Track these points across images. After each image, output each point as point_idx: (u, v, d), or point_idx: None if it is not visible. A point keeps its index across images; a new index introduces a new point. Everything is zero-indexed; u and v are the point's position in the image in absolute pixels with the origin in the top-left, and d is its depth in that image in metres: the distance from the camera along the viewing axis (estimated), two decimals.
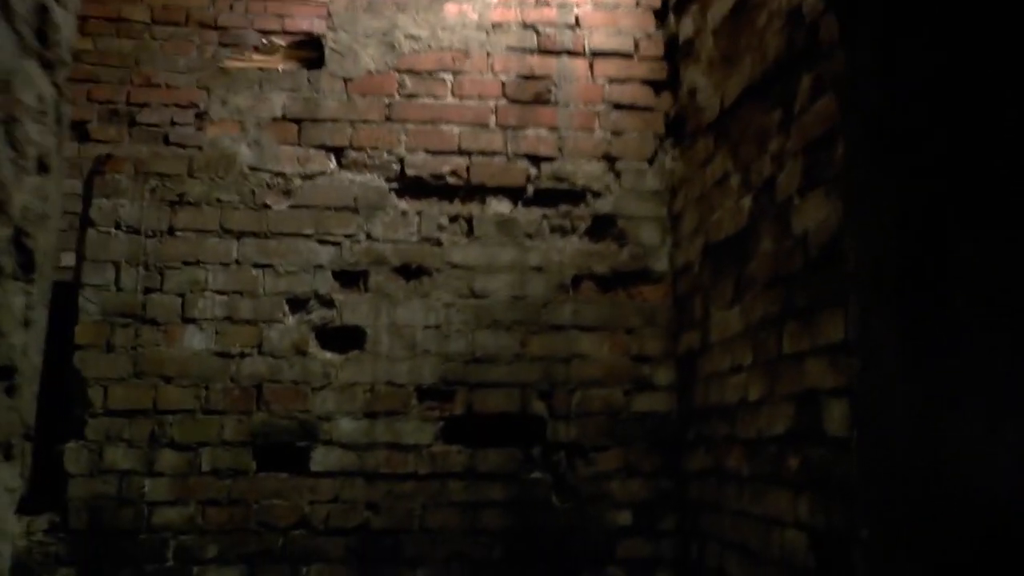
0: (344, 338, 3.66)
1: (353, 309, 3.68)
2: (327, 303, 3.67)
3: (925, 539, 1.84)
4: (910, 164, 1.94)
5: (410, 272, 3.73)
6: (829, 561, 2.31)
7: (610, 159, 3.89)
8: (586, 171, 3.86)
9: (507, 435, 3.66)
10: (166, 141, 3.95)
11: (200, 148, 3.75)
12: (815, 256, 2.42)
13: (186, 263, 3.64)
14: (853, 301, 2.19)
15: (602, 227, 3.84)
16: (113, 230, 3.63)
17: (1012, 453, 1.54)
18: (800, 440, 2.52)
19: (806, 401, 2.48)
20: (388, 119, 3.83)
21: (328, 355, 3.64)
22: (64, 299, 3.63)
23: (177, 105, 4.08)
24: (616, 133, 3.91)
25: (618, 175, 3.88)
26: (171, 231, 3.65)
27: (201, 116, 3.88)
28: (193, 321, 3.60)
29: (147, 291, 3.60)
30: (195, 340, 3.59)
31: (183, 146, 3.82)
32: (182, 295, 3.61)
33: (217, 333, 3.60)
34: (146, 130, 4.19)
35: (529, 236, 3.80)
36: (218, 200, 3.69)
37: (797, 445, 2.54)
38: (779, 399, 2.68)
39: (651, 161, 3.91)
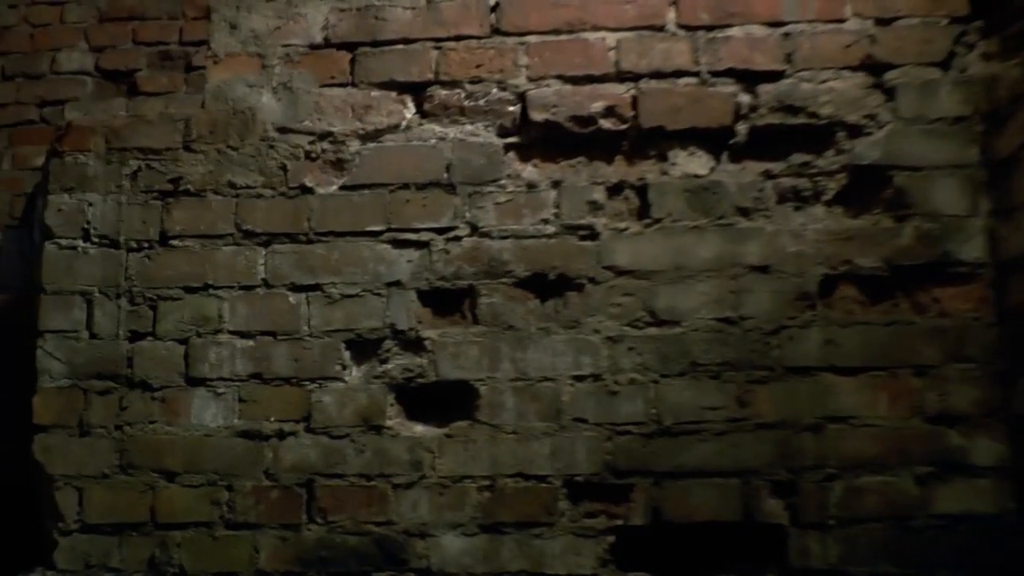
0: (442, 401, 2.23)
1: (455, 353, 2.23)
2: (411, 344, 2.24)
3: None
4: None
5: (546, 286, 2.24)
6: None
7: (874, 68, 2.26)
8: (834, 91, 2.25)
9: (721, 557, 2.17)
10: None
11: (201, 103, 2.35)
12: None
13: (188, 289, 2.28)
14: None
15: (865, 187, 2.24)
16: (80, 243, 2.31)
17: None
18: None
19: None
20: (496, 31, 2.31)
21: (418, 429, 2.23)
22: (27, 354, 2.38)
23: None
24: (882, 21, 2.27)
25: (889, 94, 2.25)
26: (163, 239, 2.30)
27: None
28: (203, 382, 2.25)
29: (133, 336, 2.27)
30: (207, 412, 2.24)
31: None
32: (184, 340, 2.27)
33: (241, 400, 2.24)
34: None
35: (743, 212, 2.24)
36: (231, 184, 2.30)
37: None
38: None
39: (946, 65, 2.26)
